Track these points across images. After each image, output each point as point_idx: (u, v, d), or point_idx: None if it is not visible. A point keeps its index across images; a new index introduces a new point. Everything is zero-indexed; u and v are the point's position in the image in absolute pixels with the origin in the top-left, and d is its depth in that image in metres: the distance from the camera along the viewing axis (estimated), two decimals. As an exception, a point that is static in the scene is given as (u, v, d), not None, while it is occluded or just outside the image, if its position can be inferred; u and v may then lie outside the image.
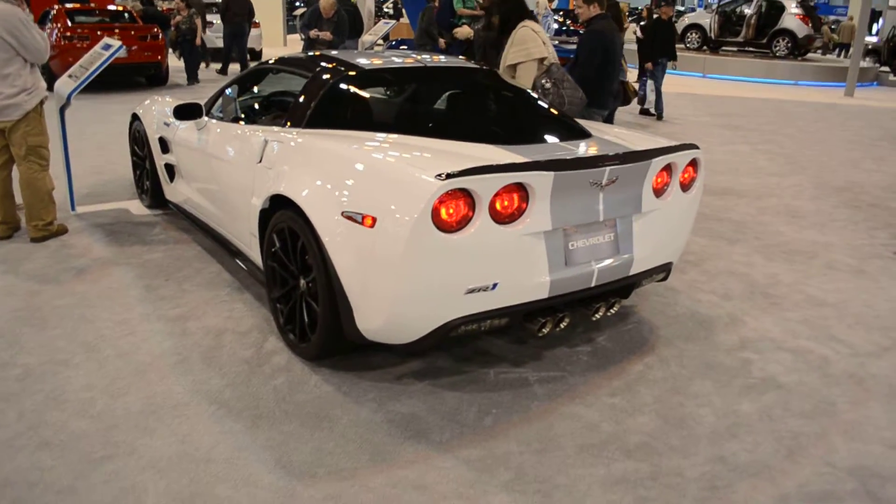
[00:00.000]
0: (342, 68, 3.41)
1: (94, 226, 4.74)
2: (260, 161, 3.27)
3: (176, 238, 4.55)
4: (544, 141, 2.99)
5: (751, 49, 18.26)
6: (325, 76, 3.37)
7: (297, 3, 27.43)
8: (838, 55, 23.55)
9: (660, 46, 9.96)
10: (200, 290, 3.77)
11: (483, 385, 2.94)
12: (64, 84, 4.65)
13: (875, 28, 30.78)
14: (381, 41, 12.48)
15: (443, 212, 2.42)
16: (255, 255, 3.43)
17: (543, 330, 2.86)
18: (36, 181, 4.30)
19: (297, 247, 2.95)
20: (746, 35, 17.37)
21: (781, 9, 17.27)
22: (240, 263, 3.67)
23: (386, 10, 27.01)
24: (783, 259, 4.69)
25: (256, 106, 4.19)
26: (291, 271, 3.05)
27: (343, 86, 3.34)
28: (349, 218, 2.59)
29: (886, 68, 19.08)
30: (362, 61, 3.51)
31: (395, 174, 2.56)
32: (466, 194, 2.45)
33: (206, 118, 3.97)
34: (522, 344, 3.29)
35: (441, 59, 3.80)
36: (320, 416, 2.67)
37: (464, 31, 6.68)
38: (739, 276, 4.32)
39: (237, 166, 3.53)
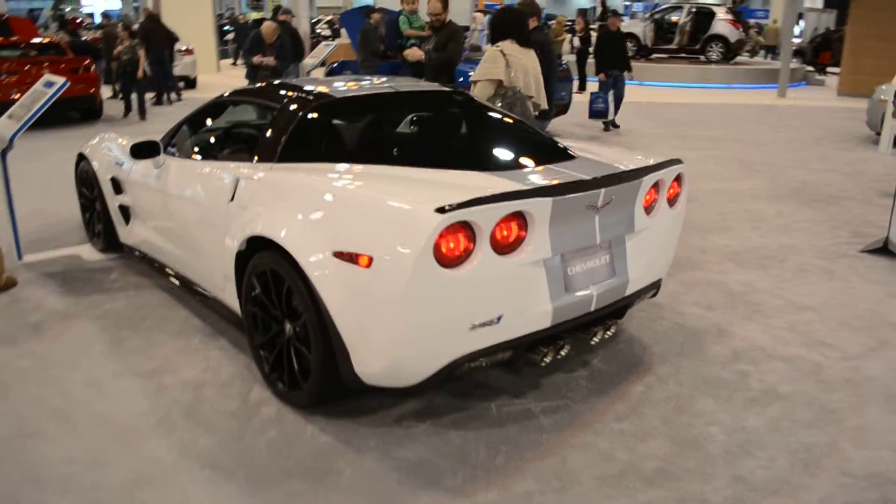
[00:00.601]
0: (312, 98, 3.27)
1: (45, 275, 4.44)
2: (231, 200, 3.10)
3: (136, 284, 4.30)
4: (532, 165, 2.92)
5: (682, 55, 18.80)
6: (295, 106, 3.22)
7: (227, 28, 26.94)
8: (765, 57, 24.49)
9: (610, 58, 10.03)
10: (171, 339, 3.55)
11: (487, 420, 2.83)
12: (4, 125, 4.35)
13: (797, 30, 32.20)
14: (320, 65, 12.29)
15: (443, 246, 2.31)
16: (230, 299, 3.24)
17: (546, 360, 2.78)
18: None
19: (281, 290, 2.79)
20: (680, 42, 17.88)
21: (712, 15, 17.87)
22: (210, 308, 3.48)
23: (319, 30, 26.76)
24: (756, 265, 4.74)
25: (220, 141, 4.00)
26: (275, 316, 2.89)
27: (315, 116, 3.19)
28: (342, 257, 2.45)
29: (812, 68, 19.93)
30: (331, 89, 3.38)
31: (388, 209, 2.44)
32: (466, 226, 2.35)
33: (163, 156, 3.77)
34: (518, 373, 3.19)
35: (412, 84, 3.70)
36: (323, 470, 2.50)
37: (414, 53, 6.58)
38: (717, 286, 4.34)
39: (205, 206, 3.34)
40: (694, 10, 18.01)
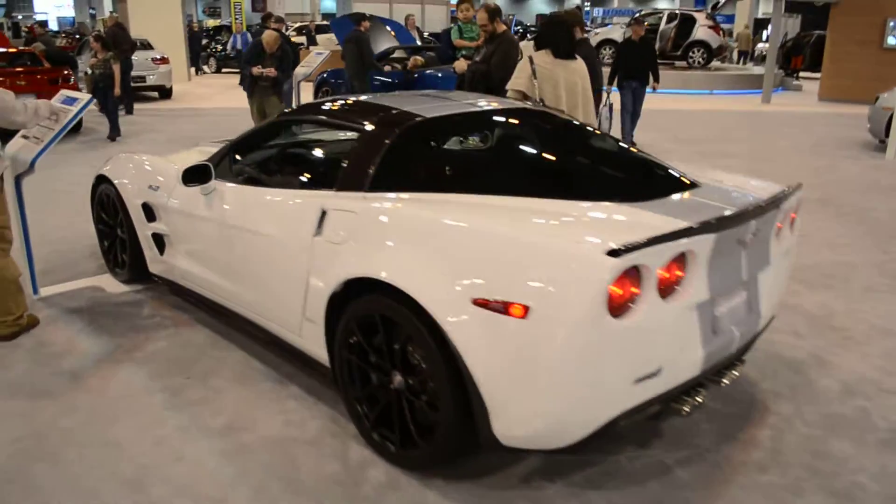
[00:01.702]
0: (403, 117, 2.94)
1: (67, 312, 4.01)
2: (317, 234, 2.76)
3: (174, 320, 3.90)
4: (664, 194, 2.65)
5: (663, 61, 18.85)
6: (384, 127, 2.89)
7: (208, 31, 26.17)
8: (737, 62, 24.82)
9: (630, 69, 9.15)
10: (234, 386, 3.18)
11: (621, 476, 2.55)
12: (23, 148, 3.92)
13: (764, 35, 32.81)
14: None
15: (613, 293, 2.03)
16: (309, 343, 2.91)
17: (687, 409, 2.51)
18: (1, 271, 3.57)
19: (393, 339, 2.47)
20: (664, 48, 17.91)
21: (693, 21, 17.97)
22: (277, 349, 3.12)
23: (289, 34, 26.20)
24: (822, 285, 4.56)
25: (285, 165, 3.64)
26: (379, 366, 2.57)
27: (411, 138, 2.87)
28: (485, 306, 2.15)
29: (783, 72, 20.22)
30: (418, 107, 3.06)
31: (545, 251, 2.14)
32: (633, 270, 2.07)
33: (214, 182, 3.40)
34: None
35: (495, 101, 3.40)
36: (462, 548, 2.19)
37: (461, 66, 6.30)
38: (794, 308, 4.14)
39: (277, 240, 2.99)
40: (676, 16, 18.09)
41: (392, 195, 2.68)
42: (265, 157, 3.63)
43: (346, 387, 2.73)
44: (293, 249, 2.88)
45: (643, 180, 2.83)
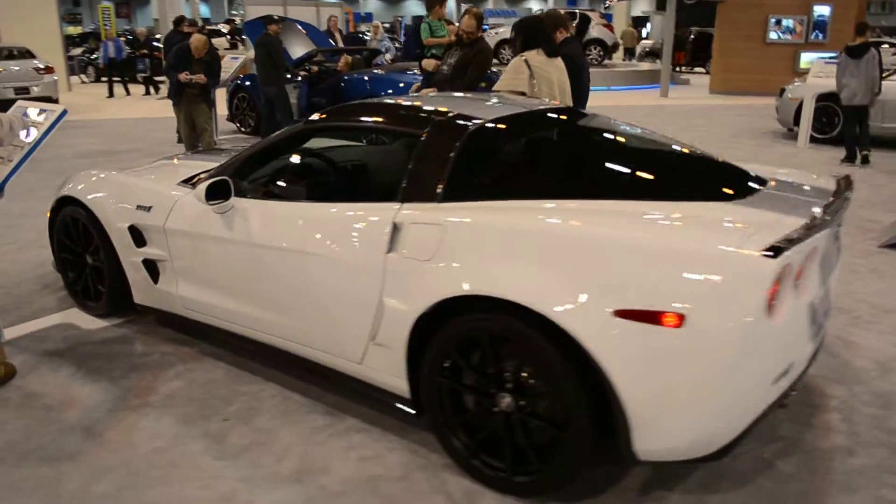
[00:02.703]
0: (464, 121, 2.76)
1: (45, 356, 3.50)
2: (391, 252, 2.54)
3: (178, 355, 3.50)
4: (752, 192, 2.61)
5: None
6: (449, 133, 2.70)
7: (74, 39, 24.22)
8: (623, 59, 25.99)
9: None
10: (286, 425, 2.88)
11: (731, 477, 2.51)
12: (-15, 172, 3.37)
13: (644, 31, 34.56)
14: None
15: (771, 293, 1.98)
16: (378, 371, 2.68)
17: (787, 402, 2.50)
18: None
19: (504, 359, 2.30)
20: (563, 47, 18.45)
21: (588, 20, 18.62)
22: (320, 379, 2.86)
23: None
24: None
25: (328, 178, 3.33)
26: (484, 389, 2.39)
27: (479, 143, 2.69)
28: (631, 317, 2.03)
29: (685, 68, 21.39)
30: (474, 110, 2.89)
31: (699, 255, 2.04)
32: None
33: (233, 199, 3.07)
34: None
35: (548, 104, 3.26)
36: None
37: (430, 64, 6.08)
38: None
39: (334, 261, 2.72)
40: (574, 15, 18.68)
41: (473, 204, 2.50)
42: (295, 169, 3.32)
43: (438, 414, 2.52)
44: (357, 270, 2.64)
45: (723, 178, 2.80)
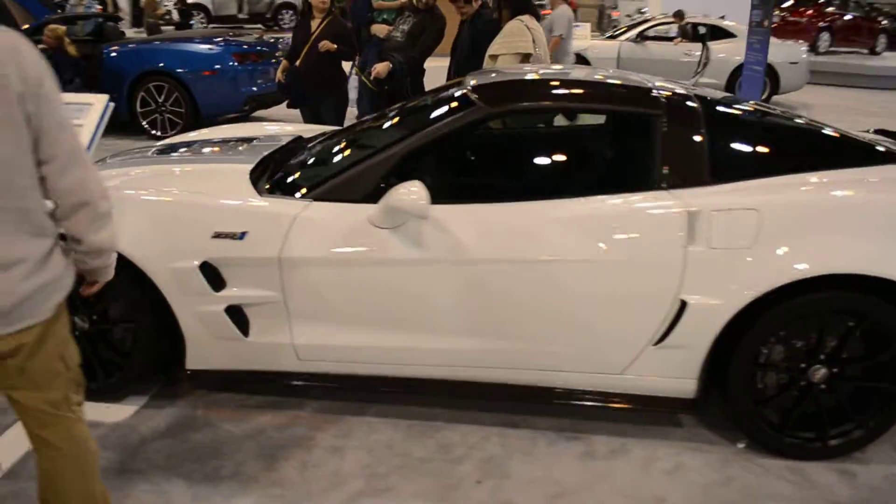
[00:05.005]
0: (684, 98, 2.66)
1: (119, 475, 2.33)
2: (689, 244, 2.35)
3: (294, 424, 2.67)
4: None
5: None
6: (684, 112, 2.58)
7: None
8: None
9: None
10: (551, 465, 2.46)
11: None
12: None
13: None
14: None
15: None
16: (644, 378, 2.51)
17: None
18: (82, 446, 1.88)
19: (826, 331, 2.39)
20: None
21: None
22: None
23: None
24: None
25: (536, 170, 2.76)
26: (802, 366, 2.43)
27: (718, 120, 2.66)
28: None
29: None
30: (672, 86, 2.81)
31: None
32: None
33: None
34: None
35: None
36: None
37: (381, 29, 5.19)
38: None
39: (608, 263, 2.39)
40: None
41: (752, 184, 2.46)
42: (494, 161, 2.72)
43: (746, 401, 2.47)
44: (642, 269, 2.39)
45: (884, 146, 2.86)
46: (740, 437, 2.60)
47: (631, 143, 2.67)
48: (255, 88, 7.36)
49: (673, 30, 10.97)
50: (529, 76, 2.95)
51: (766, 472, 2.44)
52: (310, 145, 3.15)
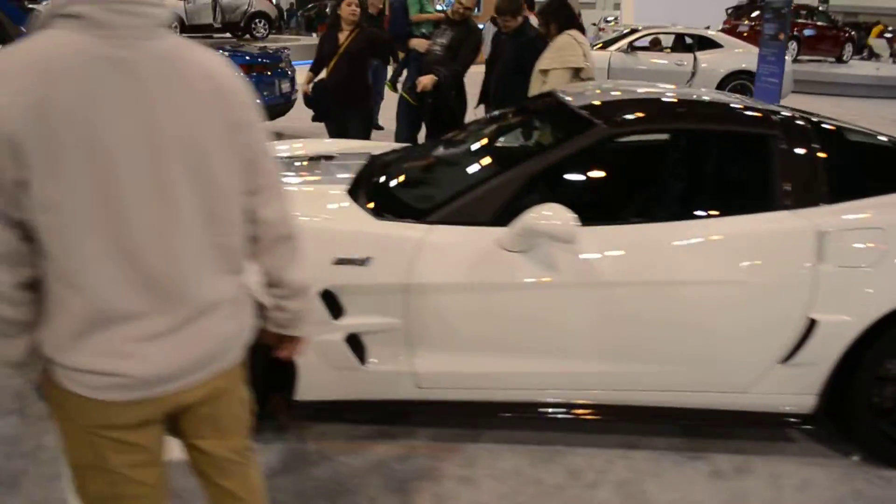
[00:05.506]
0: (791, 118, 2.71)
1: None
2: (819, 263, 2.39)
3: (409, 454, 2.61)
4: None
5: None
6: (794, 130, 2.63)
7: None
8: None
9: None
10: (692, 491, 2.47)
11: None
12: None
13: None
14: None
15: None
16: (767, 395, 2.54)
17: None
18: (258, 494, 1.80)
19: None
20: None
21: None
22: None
23: None
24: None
25: (659, 192, 2.77)
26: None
27: (831, 139, 2.73)
28: None
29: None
30: (765, 105, 2.85)
31: None
32: None
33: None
34: None
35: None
36: None
37: (420, 44, 5.09)
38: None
39: (740, 283, 2.41)
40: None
41: (866, 203, 2.53)
42: (621, 182, 2.72)
43: (867, 416, 2.51)
44: (772, 289, 2.42)
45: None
46: (851, 449, 2.65)
47: (751, 164, 2.70)
48: (258, 101, 7.19)
49: (663, 39, 11.21)
50: (643, 95, 2.97)
51: (889, 485, 2.49)
52: (404, 165, 3.11)
